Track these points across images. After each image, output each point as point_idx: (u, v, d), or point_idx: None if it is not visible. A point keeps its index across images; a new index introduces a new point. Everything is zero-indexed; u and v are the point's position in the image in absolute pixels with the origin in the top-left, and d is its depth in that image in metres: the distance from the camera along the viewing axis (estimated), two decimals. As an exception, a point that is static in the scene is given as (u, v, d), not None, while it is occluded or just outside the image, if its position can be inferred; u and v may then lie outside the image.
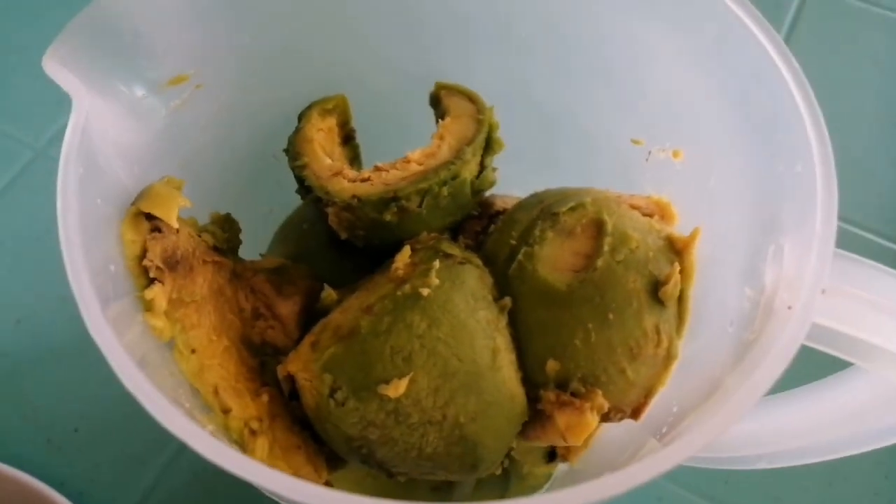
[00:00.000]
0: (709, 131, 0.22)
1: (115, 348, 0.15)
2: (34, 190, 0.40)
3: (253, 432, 0.21)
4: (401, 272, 0.23)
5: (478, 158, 0.25)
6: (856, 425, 0.22)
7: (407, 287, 0.22)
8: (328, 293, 0.24)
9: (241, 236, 0.25)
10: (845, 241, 0.17)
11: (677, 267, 0.23)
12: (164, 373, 0.19)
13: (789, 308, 0.16)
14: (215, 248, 0.23)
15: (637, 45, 0.23)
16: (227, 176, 0.25)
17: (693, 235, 0.23)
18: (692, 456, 0.17)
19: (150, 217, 0.20)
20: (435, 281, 0.22)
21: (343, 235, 0.24)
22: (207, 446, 0.15)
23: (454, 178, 0.23)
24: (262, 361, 0.24)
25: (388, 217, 0.23)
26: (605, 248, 0.23)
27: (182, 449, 0.33)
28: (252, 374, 0.23)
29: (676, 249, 0.24)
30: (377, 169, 0.24)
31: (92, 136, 0.18)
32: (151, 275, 0.20)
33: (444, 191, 0.23)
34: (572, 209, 0.24)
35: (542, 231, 0.24)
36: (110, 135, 0.19)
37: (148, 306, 0.19)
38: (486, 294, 0.23)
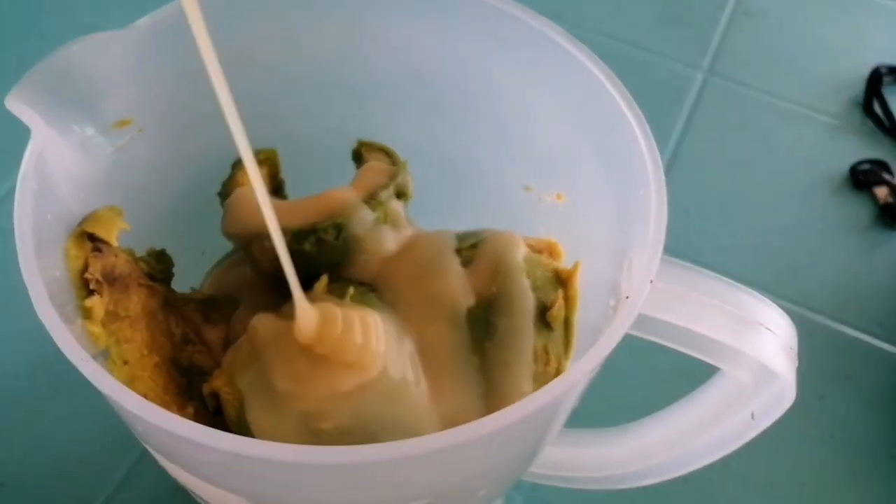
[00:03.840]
0: (581, 175, 0.26)
1: (62, 330, 0.17)
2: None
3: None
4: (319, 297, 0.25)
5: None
6: (717, 429, 0.25)
7: (323, 309, 0.25)
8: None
9: (174, 271, 0.27)
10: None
11: (561, 293, 0.26)
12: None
13: (626, 298, 0.19)
14: (150, 276, 0.26)
15: (525, 106, 0.27)
16: (162, 215, 0.27)
17: (575, 267, 0.27)
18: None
19: (92, 238, 0.23)
20: (349, 305, 0.25)
21: (267, 267, 0.27)
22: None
23: (368, 215, 0.26)
24: (189, 381, 0.26)
25: (307, 247, 0.26)
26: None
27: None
28: (180, 389, 0.25)
29: (562, 280, 0.27)
30: (300, 208, 0.27)
31: (46, 161, 0.21)
32: (91, 287, 0.22)
33: (359, 226, 0.26)
34: (473, 245, 0.27)
35: (446, 264, 0.27)
36: (62, 165, 0.22)
37: (87, 314, 0.22)
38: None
